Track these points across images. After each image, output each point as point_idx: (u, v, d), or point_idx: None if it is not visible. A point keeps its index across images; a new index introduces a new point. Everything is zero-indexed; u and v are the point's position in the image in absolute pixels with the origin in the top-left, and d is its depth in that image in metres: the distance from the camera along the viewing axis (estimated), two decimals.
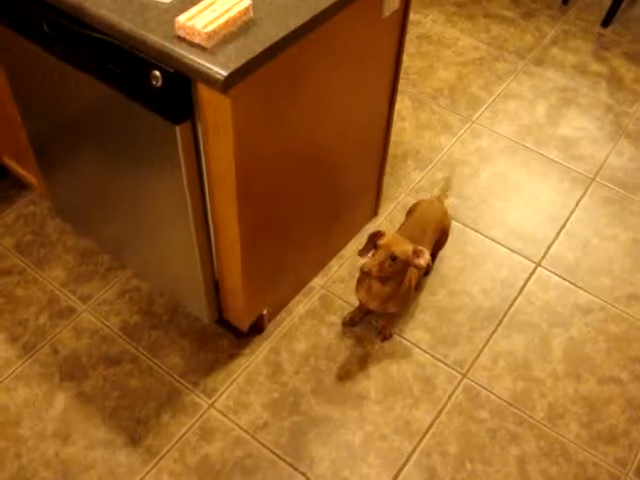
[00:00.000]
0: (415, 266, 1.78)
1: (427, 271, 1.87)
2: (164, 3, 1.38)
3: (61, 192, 2.10)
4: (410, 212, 2.15)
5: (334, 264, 2.29)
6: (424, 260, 1.77)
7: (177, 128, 1.42)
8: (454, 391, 2.01)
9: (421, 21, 3.34)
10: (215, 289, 1.90)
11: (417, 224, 2.05)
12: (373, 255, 1.76)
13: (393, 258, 1.74)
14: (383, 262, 1.73)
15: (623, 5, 3.56)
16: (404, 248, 1.76)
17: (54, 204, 2.20)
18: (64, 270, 2.23)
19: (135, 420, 1.91)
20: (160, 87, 1.38)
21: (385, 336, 2.12)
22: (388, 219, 2.43)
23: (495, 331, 2.16)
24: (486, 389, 2.02)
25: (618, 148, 2.79)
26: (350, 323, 2.14)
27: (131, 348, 2.05)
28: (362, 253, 1.87)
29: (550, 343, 2.14)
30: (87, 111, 1.66)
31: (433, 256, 2.25)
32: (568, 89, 3.03)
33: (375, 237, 1.81)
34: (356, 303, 2.16)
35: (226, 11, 1.30)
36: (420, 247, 1.79)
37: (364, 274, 1.79)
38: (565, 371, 2.08)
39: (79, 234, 2.32)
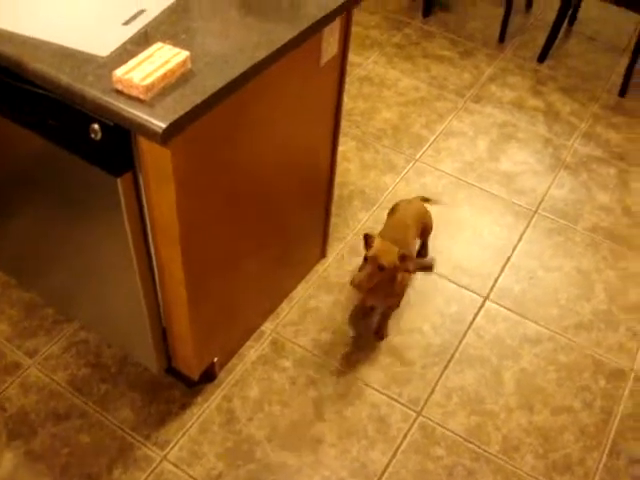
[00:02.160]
0: (405, 271, 1.91)
1: (429, 268, 2.08)
2: (102, 57, 1.38)
3: (3, 245, 2.07)
4: (391, 212, 2.24)
5: (284, 307, 2.28)
6: (412, 265, 1.89)
7: (118, 180, 1.41)
8: (409, 429, 2.01)
9: (362, 63, 3.40)
10: (163, 338, 1.88)
11: (399, 223, 2.15)
12: (361, 268, 1.84)
13: (381, 269, 1.83)
14: (372, 274, 1.83)
15: (557, 41, 3.68)
16: (391, 258, 1.84)
17: None
18: (9, 325, 2.18)
19: (86, 476, 1.86)
20: (100, 140, 1.37)
21: (382, 337, 2.22)
22: (337, 259, 2.45)
23: (447, 367, 2.17)
24: (441, 426, 2.03)
25: (558, 180, 2.86)
26: (362, 317, 2.27)
27: (80, 403, 2.01)
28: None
29: (502, 376, 2.16)
30: (28, 165, 1.64)
31: (424, 245, 2.44)
32: (507, 124, 3.11)
33: (366, 243, 1.91)
34: (308, 346, 2.16)
35: (164, 63, 1.31)
36: (406, 252, 1.89)
37: (355, 287, 1.86)
38: (518, 403, 2.10)
39: (23, 287, 2.28)
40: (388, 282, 1.94)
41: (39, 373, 2.07)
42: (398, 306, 2.21)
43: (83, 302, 1.96)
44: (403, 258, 1.88)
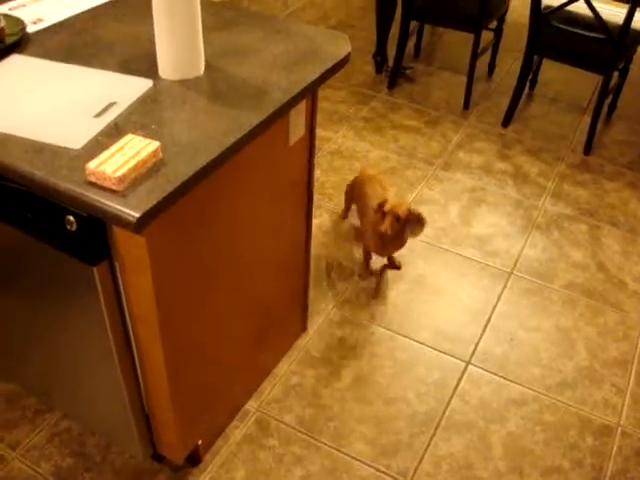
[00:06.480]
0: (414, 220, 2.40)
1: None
2: (74, 150, 1.41)
3: None
4: (353, 192, 2.75)
5: (267, 385, 2.27)
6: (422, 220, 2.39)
7: (95, 269, 1.43)
8: None
9: (332, 137, 3.48)
10: (147, 424, 1.86)
11: (379, 192, 2.59)
12: (384, 220, 2.33)
13: (397, 219, 2.34)
14: (393, 223, 2.33)
15: (520, 105, 3.79)
16: (403, 209, 2.35)
17: None
18: None
19: None
20: (75, 231, 1.39)
21: (399, 266, 2.74)
22: (318, 333, 2.45)
23: (434, 435, 2.16)
24: None
25: (531, 240, 2.91)
26: (365, 276, 2.70)
27: None
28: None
29: (489, 440, 2.15)
30: (5, 257, 1.65)
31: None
32: (477, 189, 3.18)
33: (380, 206, 2.37)
34: (292, 422, 2.15)
35: (136, 154, 1.34)
36: (411, 207, 2.39)
37: (382, 236, 2.39)
38: (507, 467, 2.09)
39: (3, 379, 2.25)
40: (399, 234, 2.41)
41: (22, 465, 2.04)
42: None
43: (64, 391, 1.94)
44: (410, 210, 2.37)
